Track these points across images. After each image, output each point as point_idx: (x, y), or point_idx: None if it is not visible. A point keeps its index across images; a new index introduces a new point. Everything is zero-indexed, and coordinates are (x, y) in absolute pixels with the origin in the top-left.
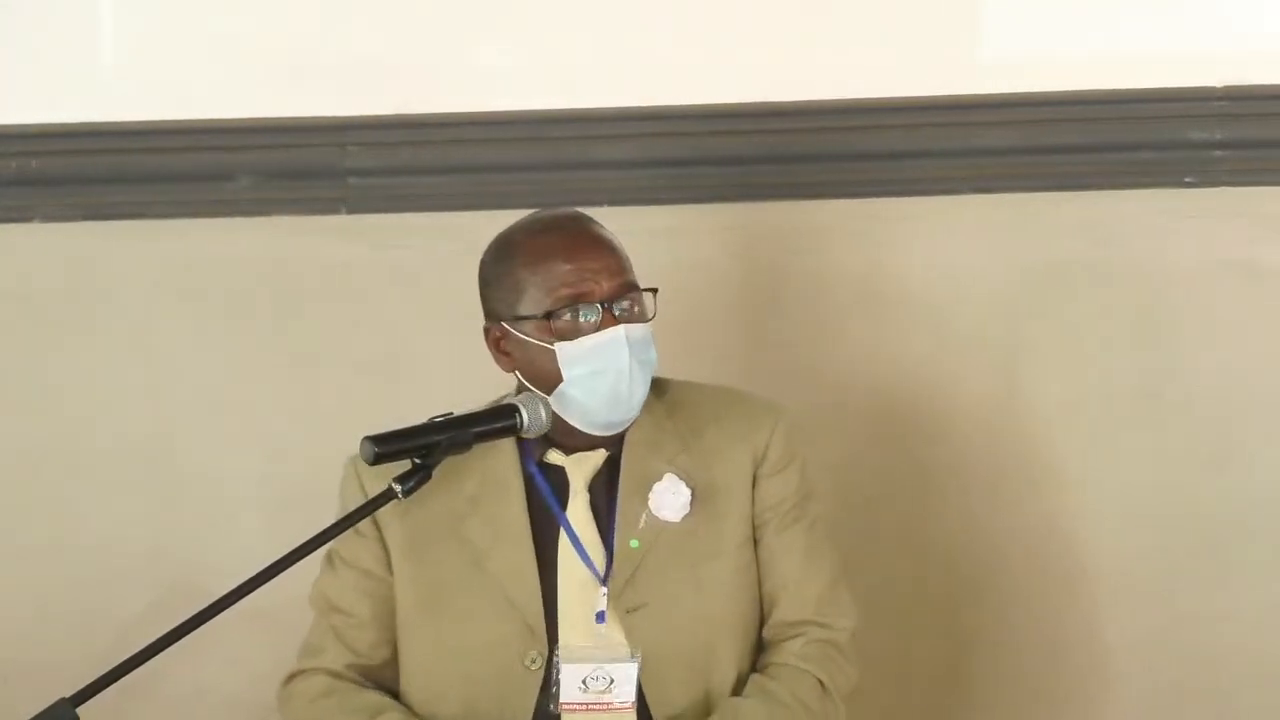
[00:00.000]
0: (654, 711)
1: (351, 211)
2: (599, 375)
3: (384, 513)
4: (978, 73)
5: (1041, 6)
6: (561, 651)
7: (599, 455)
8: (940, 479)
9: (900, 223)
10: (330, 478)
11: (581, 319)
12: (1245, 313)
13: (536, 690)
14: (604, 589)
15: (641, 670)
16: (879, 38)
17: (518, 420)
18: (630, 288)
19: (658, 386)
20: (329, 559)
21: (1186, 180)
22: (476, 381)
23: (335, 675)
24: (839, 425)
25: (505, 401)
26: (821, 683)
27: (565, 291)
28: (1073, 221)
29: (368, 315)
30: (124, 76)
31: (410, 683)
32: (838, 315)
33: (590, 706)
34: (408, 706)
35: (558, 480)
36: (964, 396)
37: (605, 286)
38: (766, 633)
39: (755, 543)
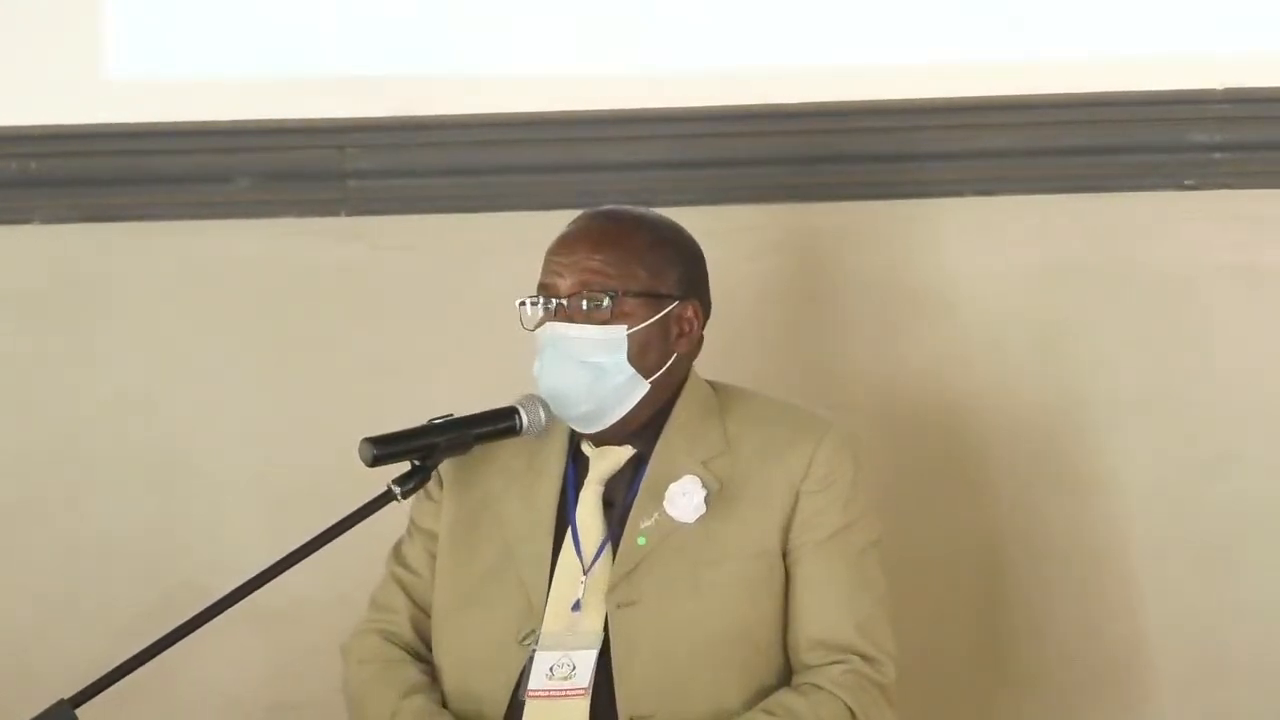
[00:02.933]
0: (621, 706)
1: (351, 213)
2: (541, 370)
3: (450, 476)
4: (981, 76)
5: (1043, 9)
6: (541, 638)
7: (625, 451)
8: (945, 479)
9: (904, 224)
10: (330, 478)
11: (531, 312)
12: (1246, 315)
13: (518, 673)
14: (584, 579)
15: (616, 664)
16: (884, 40)
17: (517, 421)
18: (580, 288)
19: (716, 391)
20: (408, 527)
21: (1187, 183)
22: (477, 382)
23: (389, 637)
24: (848, 426)
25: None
26: (852, 712)
27: (539, 282)
28: (1073, 223)
29: (367, 317)
30: (124, 78)
31: (436, 652)
32: (846, 316)
33: (551, 693)
34: (438, 675)
35: (584, 471)
36: (970, 398)
37: (567, 282)
38: (805, 655)
39: (793, 561)
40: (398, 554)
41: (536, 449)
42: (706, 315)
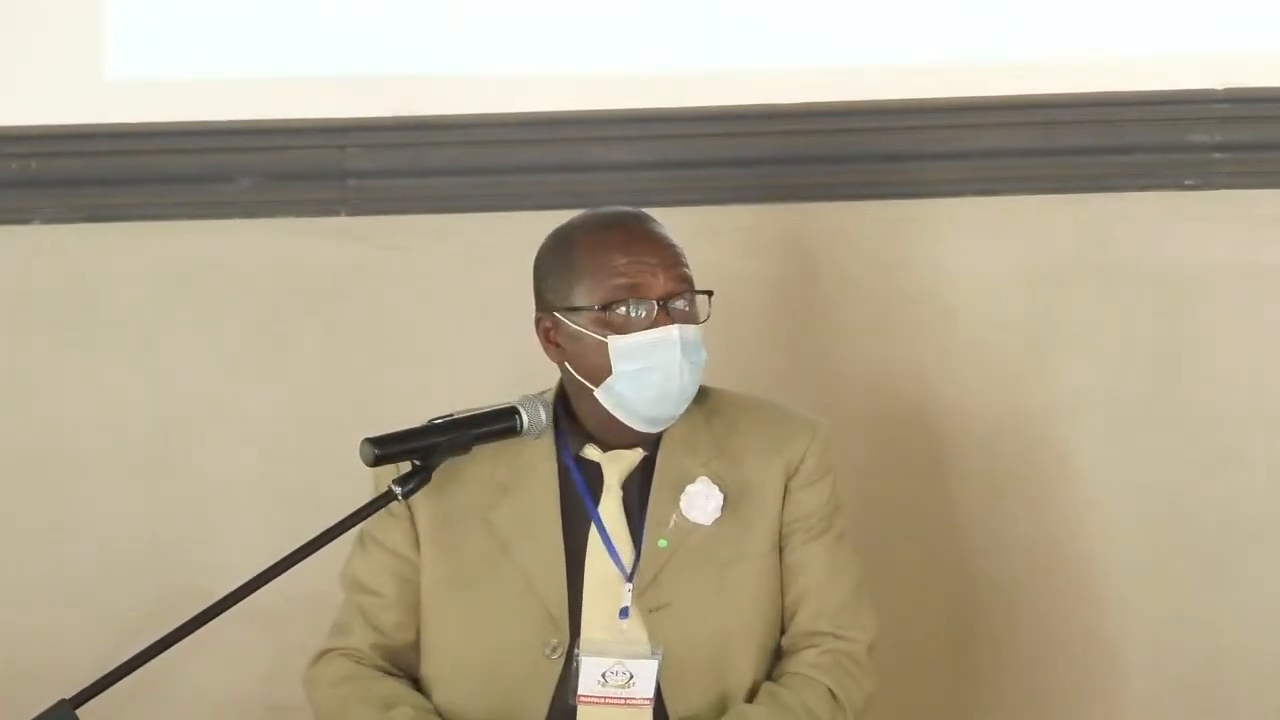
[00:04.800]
0: (670, 710)
1: (351, 213)
2: (648, 372)
3: (418, 497)
4: (980, 76)
5: (1043, 10)
6: (583, 644)
7: (635, 454)
8: (946, 479)
9: (903, 224)
10: (330, 478)
11: (634, 314)
12: (1246, 314)
13: (555, 680)
14: (629, 585)
15: (660, 668)
16: (883, 40)
17: (517, 422)
18: (686, 286)
19: (699, 392)
20: (360, 539)
21: (1187, 183)
22: (477, 382)
23: (358, 659)
24: (844, 425)
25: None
26: (832, 693)
27: (621, 283)
28: (1073, 223)
29: (367, 316)
30: (124, 78)
31: (430, 666)
32: (843, 316)
33: (608, 700)
34: (428, 690)
35: (592, 475)
36: (969, 398)
37: (661, 282)
38: (784, 642)
39: (780, 552)
40: (354, 577)
41: (518, 456)
42: None
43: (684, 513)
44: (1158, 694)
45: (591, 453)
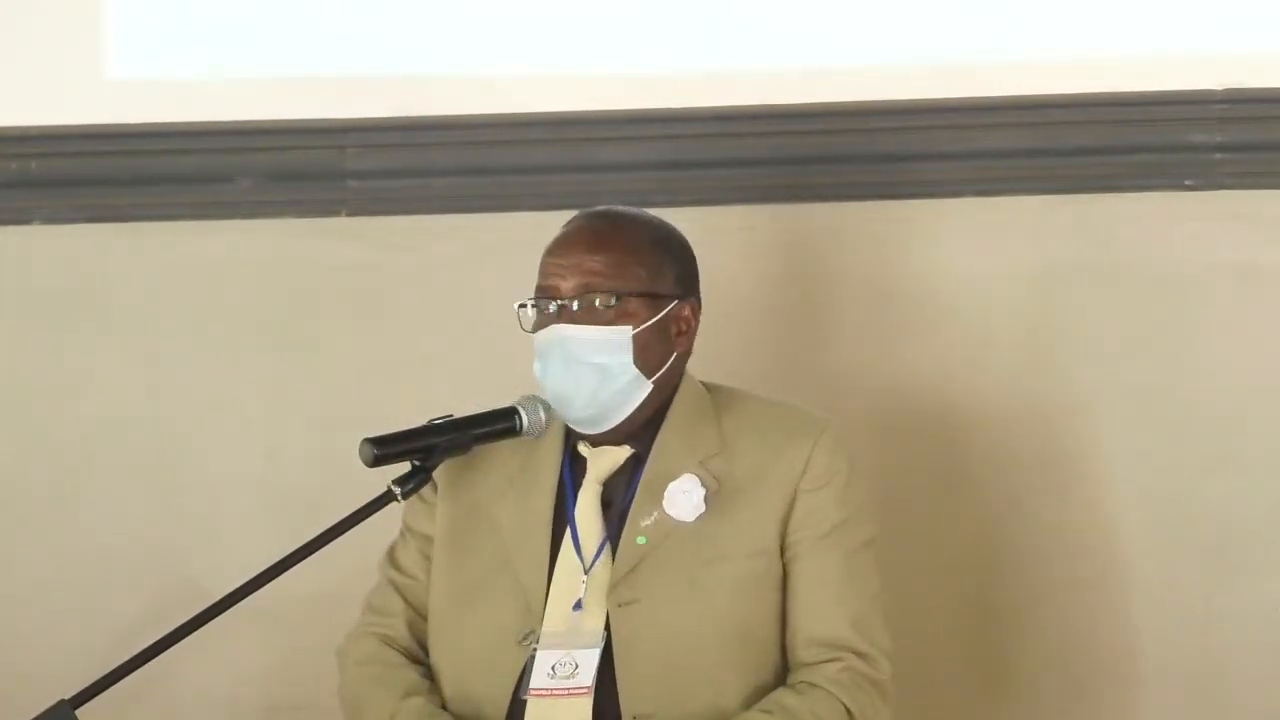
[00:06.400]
0: (624, 706)
1: (351, 214)
2: (544, 372)
3: (443, 480)
4: (980, 76)
5: (1043, 10)
6: (541, 638)
7: (622, 452)
8: (945, 480)
9: (902, 225)
10: (330, 478)
11: (537, 313)
12: (1246, 315)
13: (518, 672)
14: (584, 578)
15: (618, 663)
16: (883, 40)
17: (517, 422)
18: (582, 289)
19: (710, 391)
20: (401, 531)
21: (1187, 183)
22: (477, 382)
23: (388, 641)
24: (844, 426)
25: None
26: (849, 711)
27: (538, 284)
28: (1073, 224)
29: (367, 317)
30: (124, 78)
31: (434, 654)
32: (843, 318)
33: (554, 692)
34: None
35: (580, 471)
36: (969, 399)
37: (568, 284)
38: (801, 652)
39: (790, 558)
40: (391, 558)
41: (531, 451)
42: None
43: (664, 509)
44: (1163, 693)
45: (583, 449)
